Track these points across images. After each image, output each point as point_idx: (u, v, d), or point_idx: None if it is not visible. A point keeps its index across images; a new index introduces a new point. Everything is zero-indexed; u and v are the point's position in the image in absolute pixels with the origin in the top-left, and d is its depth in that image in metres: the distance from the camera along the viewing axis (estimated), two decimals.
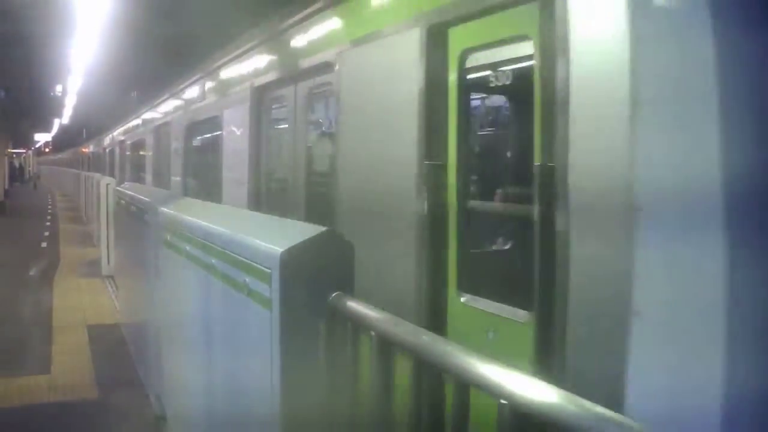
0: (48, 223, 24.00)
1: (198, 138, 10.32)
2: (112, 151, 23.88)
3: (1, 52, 16.53)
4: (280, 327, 2.74)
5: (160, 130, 13.19)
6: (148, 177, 14.45)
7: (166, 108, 13.03)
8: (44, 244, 18.37)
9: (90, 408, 6.26)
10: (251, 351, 3.11)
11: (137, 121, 17.44)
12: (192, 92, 10.49)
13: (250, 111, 7.06)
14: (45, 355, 7.78)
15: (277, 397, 2.76)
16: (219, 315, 3.74)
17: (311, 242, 2.81)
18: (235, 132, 7.66)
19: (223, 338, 3.67)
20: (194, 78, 10.17)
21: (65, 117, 42.12)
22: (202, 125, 9.67)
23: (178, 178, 10.86)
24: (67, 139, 56.58)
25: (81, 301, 10.75)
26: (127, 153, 19.56)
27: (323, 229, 2.90)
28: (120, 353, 7.63)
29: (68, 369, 7.29)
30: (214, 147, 8.94)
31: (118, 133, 22.22)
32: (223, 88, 8.53)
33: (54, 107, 36.60)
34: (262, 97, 6.97)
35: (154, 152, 14.10)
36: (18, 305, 10.44)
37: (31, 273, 13.51)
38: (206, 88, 9.50)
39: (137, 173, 17.04)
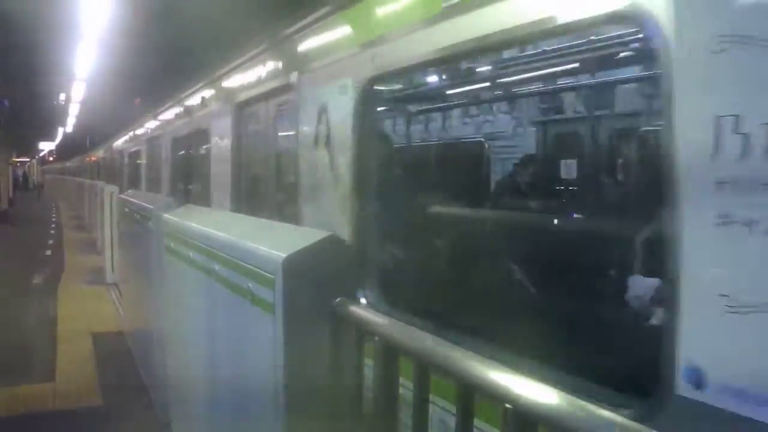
0: (52, 231, 24.02)
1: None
2: (134, 156, 17.28)
3: (4, 60, 16.55)
4: (283, 332, 2.73)
5: (249, 109, 7.12)
6: (221, 197, 7.70)
7: (267, 64, 6.43)
8: (48, 252, 18.38)
9: (94, 416, 6.25)
10: (255, 357, 3.10)
11: (190, 102, 10.44)
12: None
13: None
14: (49, 362, 7.77)
15: (282, 402, 2.75)
16: (222, 321, 3.73)
17: (314, 247, 2.81)
18: None
19: (226, 345, 3.67)
20: None
21: (69, 125, 42.20)
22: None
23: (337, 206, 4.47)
24: (72, 147, 56.69)
25: (85, 309, 10.74)
26: (163, 155, 12.63)
27: (326, 234, 2.89)
28: (124, 361, 7.61)
29: (73, 377, 7.29)
30: None
31: (145, 128, 15.26)
32: None
33: (58, 115, 36.66)
34: None
35: (234, 150, 7.40)
36: (23, 313, 10.43)
37: (36, 281, 13.51)
38: None
39: (185, 186, 10.98)
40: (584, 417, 1.59)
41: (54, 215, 32.10)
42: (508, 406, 1.78)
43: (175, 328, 4.98)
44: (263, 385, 2.93)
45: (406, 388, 2.39)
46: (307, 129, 5.02)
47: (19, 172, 59.31)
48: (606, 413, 1.58)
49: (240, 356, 3.43)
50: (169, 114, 12.44)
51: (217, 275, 3.68)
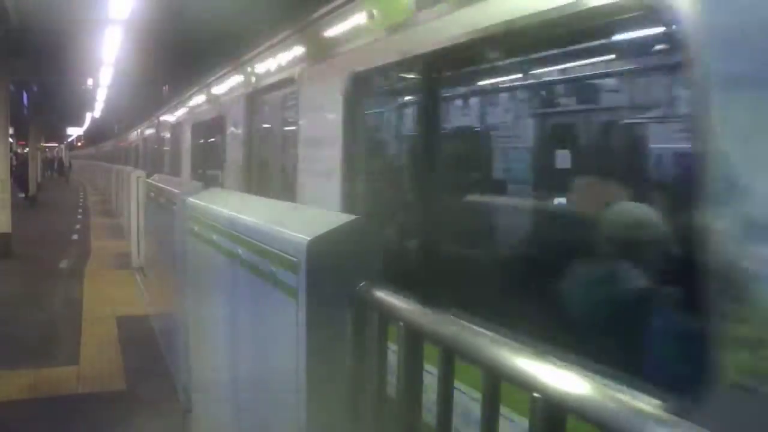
0: (79, 216, 24.26)
1: None
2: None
3: (32, 46, 16.64)
4: (306, 317, 2.69)
5: None
6: None
7: None
8: (75, 237, 18.55)
9: (117, 399, 6.28)
10: (277, 342, 3.06)
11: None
12: None
13: None
14: (74, 346, 7.83)
15: (303, 388, 2.71)
16: (245, 306, 3.70)
17: (339, 231, 2.75)
18: None
19: (249, 329, 3.64)
20: None
21: (97, 110, 42.50)
22: None
23: None
24: (101, 131, 57.35)
25: (111, 293, 10.82)
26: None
27: (351, 217, 2.83)
28: (149, 345, 7.64)
29: (97, 360, 7.34)
30: None
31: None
32: None
33: (86, 100, 36.89)
34: None
35: None
36: (49, 297, 10.52)
37: (62, 265, 13.63)
38: None
39: None
40: (617, 408, 1.52)
41: (81, 200, 32.41)
42: (536, 395, 1.71)
43: (199, 313, 4.97)
44: (285, 369, 2.89)
45: (430, 374, 2.34)
46: None
47: (49, 155, 60.82)
48: (640, 405, 1.51)
49: (262, 341, 3.40)
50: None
51: (241, 259, 3.65)
